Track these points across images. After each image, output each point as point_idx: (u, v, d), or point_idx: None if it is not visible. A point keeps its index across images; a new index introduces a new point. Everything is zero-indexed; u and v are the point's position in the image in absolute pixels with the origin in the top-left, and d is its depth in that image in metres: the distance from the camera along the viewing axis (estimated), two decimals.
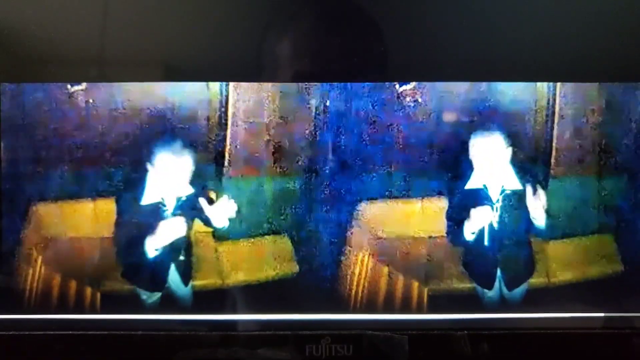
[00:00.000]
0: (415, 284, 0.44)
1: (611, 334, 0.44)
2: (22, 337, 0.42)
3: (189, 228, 0.43)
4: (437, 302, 0.44)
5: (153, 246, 0.43)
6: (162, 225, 0.43)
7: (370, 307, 0.44)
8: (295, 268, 0.44)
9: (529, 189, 0.44)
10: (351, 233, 0.44)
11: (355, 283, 0.44)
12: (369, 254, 0.44)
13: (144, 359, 0.42)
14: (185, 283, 0.43)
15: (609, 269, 0.44)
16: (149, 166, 0.43)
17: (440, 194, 0.44)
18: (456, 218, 0.44)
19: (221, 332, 0.43)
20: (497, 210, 0.44)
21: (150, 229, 0.43)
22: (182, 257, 0.43)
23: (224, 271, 0.44)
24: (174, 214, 0.43)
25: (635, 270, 0.44)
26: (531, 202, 0.44)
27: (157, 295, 0.43)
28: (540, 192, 0.44)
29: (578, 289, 0.44)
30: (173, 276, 0.43)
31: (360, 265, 0.44)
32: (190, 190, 0.43)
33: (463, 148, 0.43)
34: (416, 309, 0.44)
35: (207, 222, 0.43)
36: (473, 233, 0.44)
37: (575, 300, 0.44)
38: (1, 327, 0.43)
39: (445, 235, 0.44)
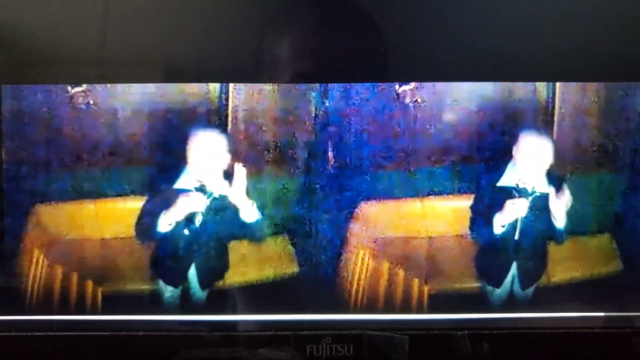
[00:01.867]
0: (416, 284, 0.44)
1: (611, 333, 0.44)
2: (24, 338, 0.43)
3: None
4: (438, 302, 0.44)
5: (166, 221, 0.43)
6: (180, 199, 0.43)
7: (370, 307, 0.44)
8: (295, 268, 0.44)
9: (552, 190, 0.44)
10: (351, 233, 0.44)
11: (355, 283, 0.44)
12: (369, 254, 0.44)
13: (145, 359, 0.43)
14: (203, 285, 0.44)
15: (609, 269, 0.44)
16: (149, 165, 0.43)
17: (439, 193, 0.44)
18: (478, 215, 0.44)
19: (222, 332, 0.43)
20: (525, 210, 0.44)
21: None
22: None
23: (225, 271, 0.44)
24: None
25: (635, 270, 0.44)
26: (554, 204, 0.44)
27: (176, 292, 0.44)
28: (566, 192, 0.44)
29: (578, 289, 0.44)
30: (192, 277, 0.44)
31: (360, 265, 0.44)
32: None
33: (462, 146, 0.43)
34: (416, 309, 0.44)
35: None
36: (503, 226, 0.44)
37: (576, 300, 0.45)
38: (4, 328, 0.43)
39: (448, 234, 0.44)
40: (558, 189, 0.44)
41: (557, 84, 0.43)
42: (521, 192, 0.44)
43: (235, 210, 0.43)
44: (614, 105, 0.43)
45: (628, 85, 0.43)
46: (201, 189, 0.43)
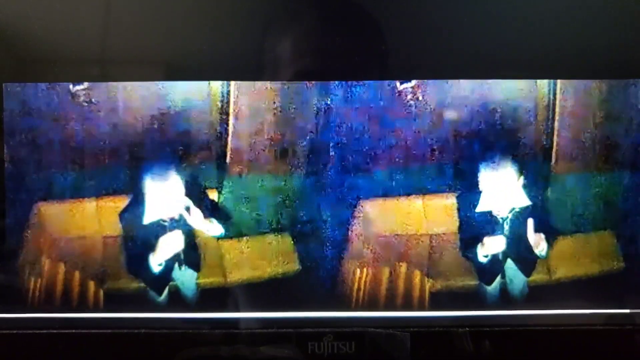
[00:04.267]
0: (417, 281, 0.44)
1: (612, 330, 0.44)
2: (25, 336, 0.43)
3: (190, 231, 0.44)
4: (439, 299, 0.44)
5: (156, 261, 0.43)
6: (161, 240, 0.43)
7: (372, 305, 0.44)
8: (297, 266, 0.44)
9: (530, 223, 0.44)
10: (353, 231, 0.44)
11: (357, 280, 0.44)
12: (370, 252, 0.44)
13: (147, 357, 0.43)
14: (192, 281, 0.44)
15: (610, 266, 0.44)
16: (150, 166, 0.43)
17: (440, 191, 0.44)
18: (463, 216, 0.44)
19: (224, 330, 0.43)
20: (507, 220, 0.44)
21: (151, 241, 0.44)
22: (187, 256, 0.44)
23: (226, 269, 0.44)
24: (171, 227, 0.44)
25: (636, 267, 0.44)
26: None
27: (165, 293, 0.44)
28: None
29: (579, 286, 0.44)
30: (178, 274, 0.44)
31: (361, 262, 0.44)
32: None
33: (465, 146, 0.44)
34: (418, 306, 0.44)
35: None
36: (485, 256, 0.44)
37: (577, 297, 0.45)
38: (5, 326, 0.43)
39: (448, 232, 0.44)
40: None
41: (558, 81, 0.43)
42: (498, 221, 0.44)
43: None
44: (615, 102, 0.44)
45: (631, 81, 0.43)
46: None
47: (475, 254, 0.44)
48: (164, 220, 0.43)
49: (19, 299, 0.43)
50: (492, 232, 0.44)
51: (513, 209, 0.44)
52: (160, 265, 0.43)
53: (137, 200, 0.43)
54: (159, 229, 0.43)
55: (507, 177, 0.44)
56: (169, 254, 0.43)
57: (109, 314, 0.43)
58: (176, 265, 0.44)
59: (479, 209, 0.44)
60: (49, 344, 0.43)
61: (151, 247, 0.43)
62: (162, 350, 0.43)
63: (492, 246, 0.44)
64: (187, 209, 0.43)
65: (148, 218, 0.43)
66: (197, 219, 0.43)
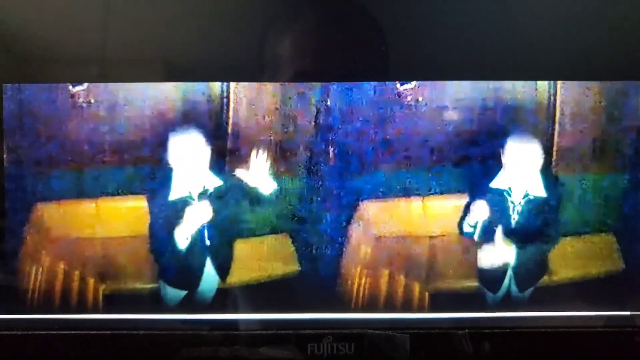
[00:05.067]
0: (417, 283, 0.44)
1: (613, 332, 0.44)
2: (25, 337, 0.43)
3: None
4: (438, 301, 0.44)
5: (183, 235, 0.43)
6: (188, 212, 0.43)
7: (371, 306, 0.44)
8: (296, 267, 0.44)
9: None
10: (352, 232, 0.44)
11: (356, 282, 0.44)
12: (371, 253, 0.44)
13: (147, 358, 0.43)
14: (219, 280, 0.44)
15: (610, 268, 0.44)
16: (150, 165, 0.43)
17: (440, 192, 0.44)
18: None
19: (223, 331, 0.43)
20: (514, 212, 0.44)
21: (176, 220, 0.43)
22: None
23: (226, 270, 0.44)
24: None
25: (637, 269, 0.44)
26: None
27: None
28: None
29: (580, 288, 0.44)
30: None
31: (361, 264, 0.44)
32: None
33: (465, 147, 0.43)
34: (417, 308, 0.44)
35: None
36: (472, 226, 0.44)
37: (577, 299, 0.44)
38: (5, 326, 0.43)
39: (447, 234, 0.44)
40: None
41: (559, 83, 0.43)
42: (510, 195, 0.44)
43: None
44: (615, 103, 0.43)
45: (631, 84, 0.43)
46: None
47: (479, 256, 0.44)
48: (168, 218, 0.44)
49: (18, 300, 0.43)
50: (492, 234, 0.44)
51: (527, 194, 0.44)
52: (187, 239, 0.43)
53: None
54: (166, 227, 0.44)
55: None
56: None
57: (108, 315, 0.43)
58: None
59: (476, 214, 0.44)
60: (48, 345, 0.43)
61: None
62: (162, 351, 0.43)
63: (477, 213, 0.44)
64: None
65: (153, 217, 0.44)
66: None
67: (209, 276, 0.44)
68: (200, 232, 0.43)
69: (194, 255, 0.44)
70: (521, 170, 0.44)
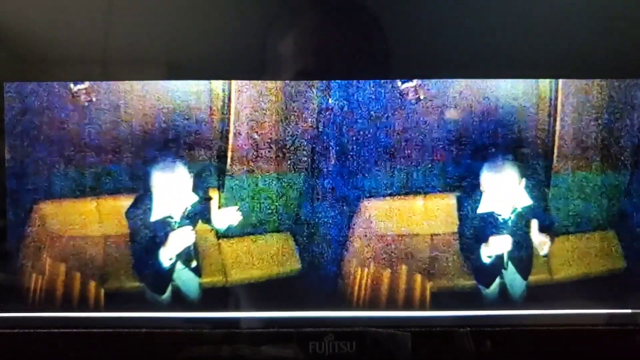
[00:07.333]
0: (418, 281, 0.44)
1: (614, 330, 0.44)
2: (26, 335, 0.43)
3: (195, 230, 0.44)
4: (440, 299, 0.44)
5: (166, 256, 0.44)
6: (172, 235, 0.44)
7: (373, 305, 0.44)
8: (298, 265, 0.44)
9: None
10: (354, 230, 0.44)
11: (358, 280, 0.44)
12: (372, 251, 0.44)
13: (148, 357, 0.43)
14: (195, 281, 0.44)
15: (611, 266, 0.44)
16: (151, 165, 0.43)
17: (442, 191, 0.44)
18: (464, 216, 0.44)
19: (225, 329, 0.43)
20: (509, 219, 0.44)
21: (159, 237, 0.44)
22: (189, 256, 0.44)
23: (227, 269, 0.44)
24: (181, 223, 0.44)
25: (638, 267, 0.44)
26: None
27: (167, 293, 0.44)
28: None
29: (581, 286, 0.44)
30: (180, 274, 0.44)
31: (362, 262, 0.44)
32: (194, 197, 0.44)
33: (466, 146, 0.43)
34: (419, 306, 0.44)
35: (208, 221, 0.44)
36: (489, 257, 0.44)
37: (578, 297, 0.44)
38: (7, 325, 0.43)
39: (449, 233, 0.44)
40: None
41: (560, 81, 0.43)
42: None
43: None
44: (616, 101, 0.43)
45: (632, 81, 0.43)
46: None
47: (479, 255, 0.44)
48: (171, 217, 0.43)
49: (20, 298, 0.43)
50: (494, 233, 0.44)
51: (515, 209, 0.44)
52: (171, 259, 0.43)
53: (143, 199, 0.43)
54: (167, 225, 0.44)
55: (508, 177, 0.44)
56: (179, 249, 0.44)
57: (109, 314, 0.43)
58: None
59: (480, 209, 0.44)
60: (50, 344, 0.43)
61: (160, 243, 0.43)
62: (163, 350, 0.43)
63: (496, 246, 0.44)
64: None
65: (155, 215, 0.43)
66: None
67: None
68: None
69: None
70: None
